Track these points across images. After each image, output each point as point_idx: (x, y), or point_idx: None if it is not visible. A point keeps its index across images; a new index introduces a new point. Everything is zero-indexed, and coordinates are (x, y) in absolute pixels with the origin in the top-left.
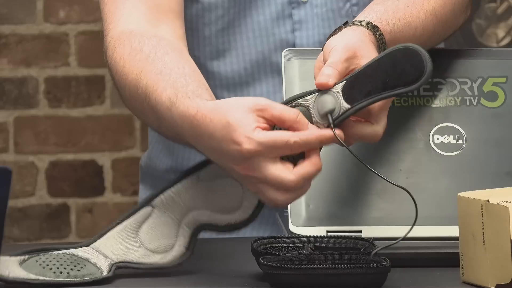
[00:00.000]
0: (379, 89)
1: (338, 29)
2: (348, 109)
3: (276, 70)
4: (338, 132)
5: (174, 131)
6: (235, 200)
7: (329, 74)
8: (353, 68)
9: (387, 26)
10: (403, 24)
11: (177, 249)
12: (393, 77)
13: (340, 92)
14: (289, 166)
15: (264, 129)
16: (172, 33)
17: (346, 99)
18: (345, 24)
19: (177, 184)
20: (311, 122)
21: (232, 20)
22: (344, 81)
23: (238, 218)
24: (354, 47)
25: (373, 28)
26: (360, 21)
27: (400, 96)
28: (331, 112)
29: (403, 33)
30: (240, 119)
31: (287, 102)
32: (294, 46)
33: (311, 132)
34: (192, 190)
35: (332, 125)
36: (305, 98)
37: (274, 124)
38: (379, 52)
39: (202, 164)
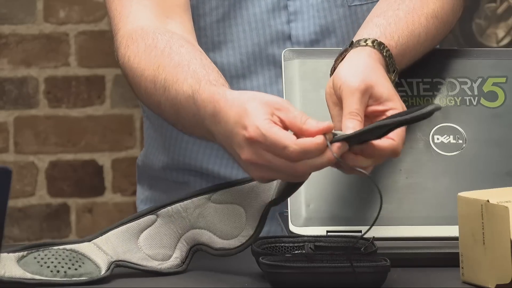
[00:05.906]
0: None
1: (345, 51)
2: (350, 133)
3: (272, 62)
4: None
5: (193, 120)
6: (236, 227)
7: (354, 127)
8: (369, 101)
9: (392, 40)
10: (407, 34)
11: (173, 261)
12: (401, 114)
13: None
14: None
15: (276, 124)
16: (181, 27)
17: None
18: (351, 45)
19: (187, 200)
20: None
21: (227, 11)
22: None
23: (232, 245)
24: (365, 79)
25: (379, 46)
26: (366, 40)
27: (400, 124)
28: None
29: (408, 43)
30: (257, 108)
31: None
32: (290, 37)
33: (311, 140)
34: (200, 209)
35: (328, 142)
36: None
37: (287, 126)
38: (387, 71)
39: (217, 186)
